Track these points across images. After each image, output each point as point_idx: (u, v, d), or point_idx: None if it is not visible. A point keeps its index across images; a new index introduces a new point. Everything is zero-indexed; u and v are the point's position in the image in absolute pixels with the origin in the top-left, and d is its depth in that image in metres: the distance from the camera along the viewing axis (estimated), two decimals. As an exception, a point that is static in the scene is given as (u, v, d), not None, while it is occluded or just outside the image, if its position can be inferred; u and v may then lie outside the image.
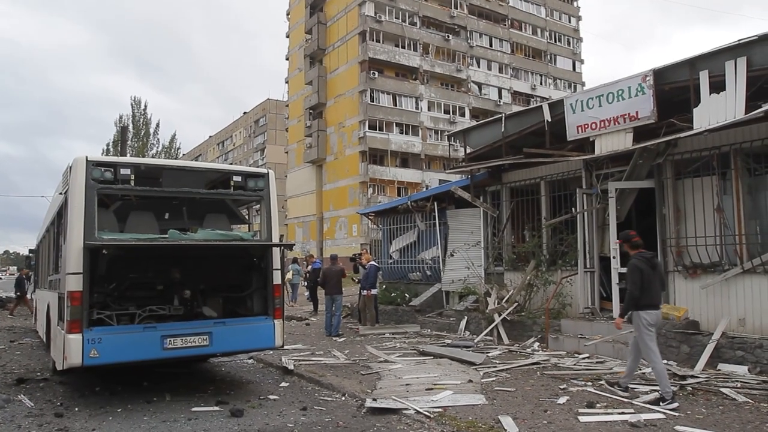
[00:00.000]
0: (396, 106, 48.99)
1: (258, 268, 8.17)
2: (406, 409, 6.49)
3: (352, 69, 48.94)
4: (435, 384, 7.64)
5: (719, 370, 7.77)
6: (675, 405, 6.20)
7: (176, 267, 7.84)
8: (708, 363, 8.00)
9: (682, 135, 8.82)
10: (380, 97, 48.28)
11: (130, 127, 50.31)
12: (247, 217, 9.58)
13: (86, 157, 6.99)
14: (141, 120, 51.52)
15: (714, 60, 8.45)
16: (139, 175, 7.32)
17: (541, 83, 58.65)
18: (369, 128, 47.27)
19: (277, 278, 7.99)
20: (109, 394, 7.54)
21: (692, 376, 7.57)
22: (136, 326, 7.12)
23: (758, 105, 7.73)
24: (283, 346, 8.36)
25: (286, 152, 63.11)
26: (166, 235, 7.55)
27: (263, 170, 8.38)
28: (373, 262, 14.37)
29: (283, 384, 8.30)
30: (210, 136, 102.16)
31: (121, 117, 51.10)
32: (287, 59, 62.03)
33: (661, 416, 5.96)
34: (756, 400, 6.51)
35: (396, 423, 6.16)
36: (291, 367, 9.07)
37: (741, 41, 8.20)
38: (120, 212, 7.96)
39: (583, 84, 60.22)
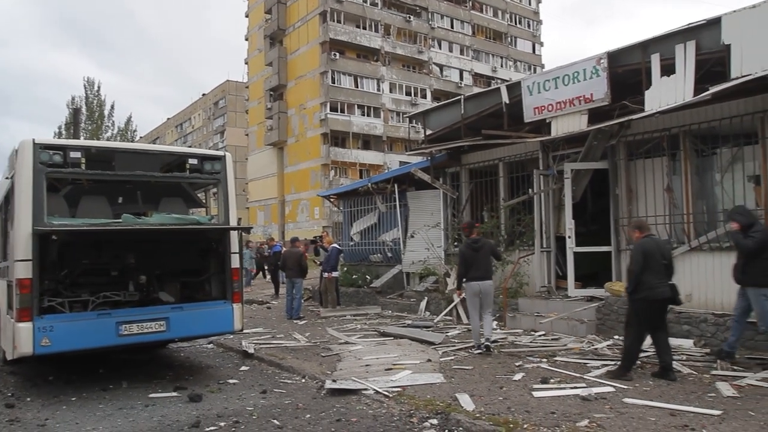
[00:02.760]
0: (357, 87, 48.72)
1: (216, 252, 8.08)
2: (365, 389, 6.56)
3: (312, 50, 48.36)
4: (394, 364, 7.73)
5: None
6: None
7: (131, 252, 7.69)
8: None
9: (634, 117, 9.02)
10: (342, 78, 47.92)
11: (84, 109, 48.63)
12: (204, 200, 9.44)
13: (33, 140, 6.77)
14: (95, 102, 49.86)
15: (665, 43, 8.64)
16: (90, 159, 7.12)
17: (501, 65, 59.09)
18: (330, 110, 46.95)
19: (235, 262, 7.91)
20: (63, 383, 7.39)
21: (642, 351, 7.82)
22: (89, 313, 6.97)
23: (706, 88, 7.94)
24: (242, 330, 8.31)
25: (247, 135, 62.23)
26: (120, 220, 7.38)
27: (220, 153, 8.26)
28: (335, 245, 14.37)
29: (243, 368, 8.28)
30: (168, 119, 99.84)
31: (73, 98, 49.28)
32: (246, 40, 60.88)
33: (611, 389, 6.17)
34: (699, 372, 6.80)
35: (355, 403, 6.22)
36: (251, 350, 9.05)
37: (690, 25, 8.40)
38: (71, 197, 7.72)
39: (542, 66, 60.84)
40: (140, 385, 7.18)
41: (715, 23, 7.98)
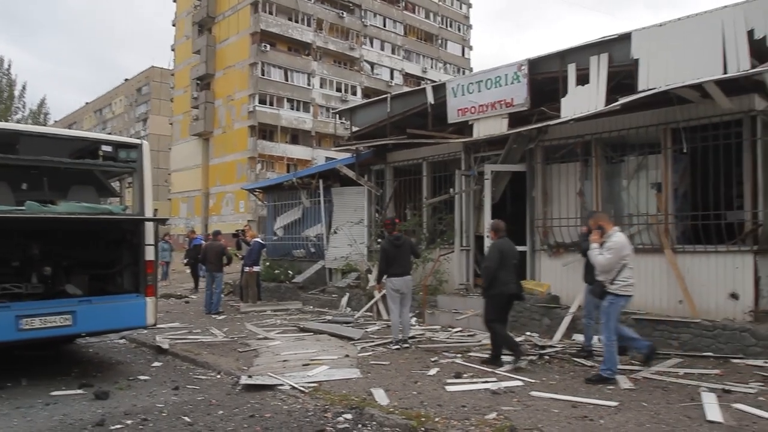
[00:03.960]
0: (288, 81, 48.07)
1: (129, 244, 7.76)
2: (281, 384, 6.51)
3: (242, 40, 47.28)
4: (312, 360, 7.71)
5: (574, 340, 8.47)
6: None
7: (35, 242, 7.25)
8: (565, 334, 8.71)
9: (551, 123, 9.38)
10: (272, 71, 47.13)
11: (-10, 89, 45.35)
12: (119, 190, 9.05)
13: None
14: (3, 81, 46.59)
15: (581, 54, 9.05)
16: (-9, 141, 6.67)
17: (431, 66, 59.94)
18: (259, 102, 46.09)
19: (149, 254, 7.63)
20: (-46, 381, 6.89)
21: (550, 346, 8.21)
22: None
23: (616, 99, 8.38)
24: (156, 325, 8.04)
25: (171, 124, 60.02)
26: (23, 208, 6.94)
27: (136, 141, 7.94)
28: (257, 239, 14.15)
29: (155, 364, 8.01)
30: (86, 103, 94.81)
31: (-23, 76, 45.83)
32: (174, 25, 58.75)
33: (520, 383, 6.41)
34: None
35: (270, 399, 6.16)
36: (165, 346, 8.76)
37: (604, 38, 8.85)
38: (-32, 182, 7.21)
39: (471, 69, 62.22)
40: (42, 383, 6.79)
41: (626, 38, 8.45)
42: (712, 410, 5.29)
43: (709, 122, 8.29)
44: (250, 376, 6.80)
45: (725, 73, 7.42)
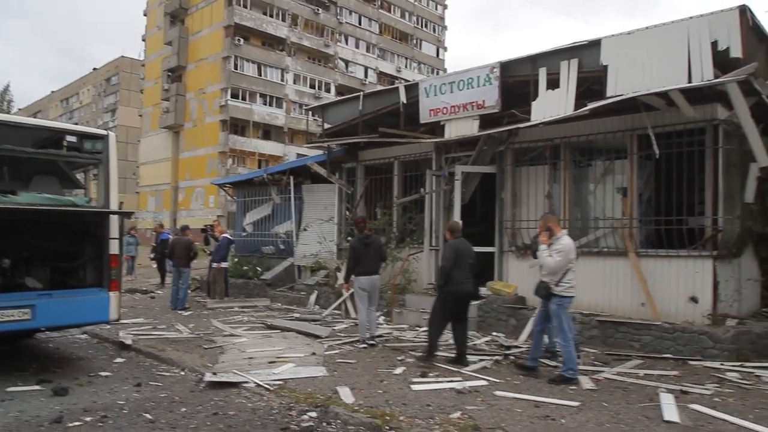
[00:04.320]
0: (261, 76, 47.68)
1: (93, 237, 7.59)
2: (246, 382, 6.45)
3: (216, 33, 46.69)
4: (278, 357, 7.67)
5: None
6: None
7: (-7, 233, 7.05)
8: (530, 335, 8.78)
9: (521, 125, 9.50)
10: (245, 65, 46.69)
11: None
12: (83, 181, 8.85)
13: None
14: (-35, 66, 45.14)
15: (552, 59, 9.17)
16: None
17: (406, 66, 60.07)
18: (231, 97, 45.63)
19: (114, 248, 7.47)
20: None
21: (515, 346, 8.30)
22: None
23: (585, 104, 8.51)
24: (119, 320, 7.88)
25: (141, 115, 59.04)
26: (-20, 197, 6.74)
27: (102, 131, 7.76)
28: (226, 235, 13.98)
29: (118, 360, 7.87)
30: (52, 92, 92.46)
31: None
32: (145, 15, 57.69)
33: (485, 383, 6.47)
34: (566, 367, 7.27)
35: (235, 396, 6.10)
36: (128, 341, 8.61)
37: (575, 44, 8.98)
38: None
39: (445, 70, 62.56)
40: (-2, 378, 6.62)
41: (596, 44, 8.59)
42: (670, 411, 5.41)
43: (674, 130, 8.48)
44: (214, 373, 6.72)
45: (690, 82, 7.61)
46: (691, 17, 7.81)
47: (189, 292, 13.48)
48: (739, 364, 7.16)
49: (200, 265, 15.45)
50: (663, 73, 7.86)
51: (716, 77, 7.49)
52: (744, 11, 7.44)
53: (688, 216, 8.56)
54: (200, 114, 47.90)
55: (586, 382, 6.49)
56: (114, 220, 7.49)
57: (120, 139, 69.84)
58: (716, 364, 7.19)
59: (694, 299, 8.21)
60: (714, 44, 7.51)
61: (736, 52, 7.39)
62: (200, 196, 47.36)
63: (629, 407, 5.62)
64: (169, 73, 51.06)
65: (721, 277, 8.25)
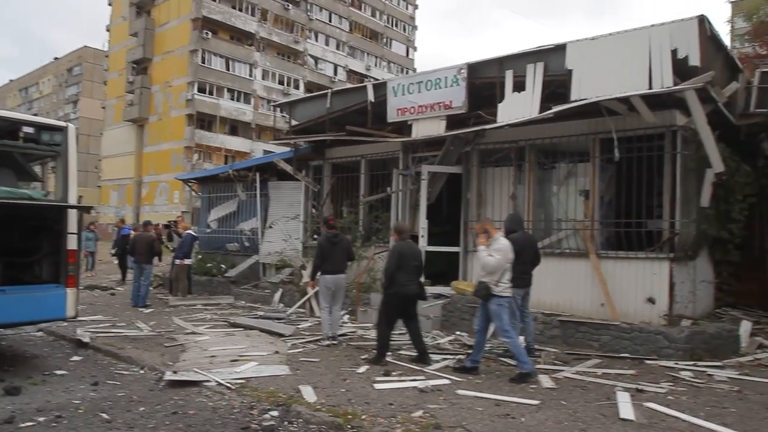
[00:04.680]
0: (229, 70, 47.08)
1: (50, 232, 7.39)
2: (207, 381, 6.38)
3: (183, 25, 45.91)
4: (241, 356, 7.59)
5: (501, 340, 8.66)
6: None
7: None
8: (493, 334, 8.89)
9: (487, 127, 9.59)
10: (212, 59, 46.03)
11: None
12: (41, 174, 8.60)
13: None
14: None
15: (518, 61, 9.28)
16: None
17: (375, 65, 60.10)
18: (198, 91, 44.95)
19: (72, 243, 7.30)
20: None
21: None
22: None
23: (550, 107, 8.65)
24: (77, 317, 7.70)
25: (104, 108, 57.63)
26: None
27: (61, 123, 7.57)
28: (190, 231, 13.77)
29: (74, 358, 7.68)
30: (11, 80, 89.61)
31: None
32: (110, 5, 56.26)
33: (447, 382, 6.52)
34: (527, 366, 7.38)
35: (195, 396, 6.02)
36: (86, 339, 8.40)
37: (541, 48, 9.11)
38: None
39: (414, 70, 62.75)
40: (-53, 377, 6.40)
41: (561, 49, 8.72)
42: (626, 409, 5.54)
43: (635, 134, 8.67)
44: (175, 372, 6.63)
45: (650, 88, 7.80)
46: (652, 25, 8.00)
47: (151, 289, 13.24)
48: (692, 363, 7.38)
49: (163, 262, 15.17)
50: (625, 79, 8.03)
51: (675, 84, 7.69)
52: (703, 21, 7.66)
53: (647, 219, 8.77)
54: (166, 108, 47.05)
55: (546, 381, 6.59)
56: (72, 215, 7.32)
57: (82, 131, 68.44)
58: (671, 363, 7.39)
59: (651, 300, 8.42)
60: (674, 52, 7.71)
61: (695, 60, 7.61)
62: (164, 191, 46.51)
63: (587, 405, 5.73)
64: (134, 65, 50.00)
65: (677, 279, 8.49)
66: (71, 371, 6.98)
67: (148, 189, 48.82)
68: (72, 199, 7.33)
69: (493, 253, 6.78)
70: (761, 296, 10.90)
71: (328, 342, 8.46)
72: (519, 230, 7.89)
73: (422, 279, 8.09)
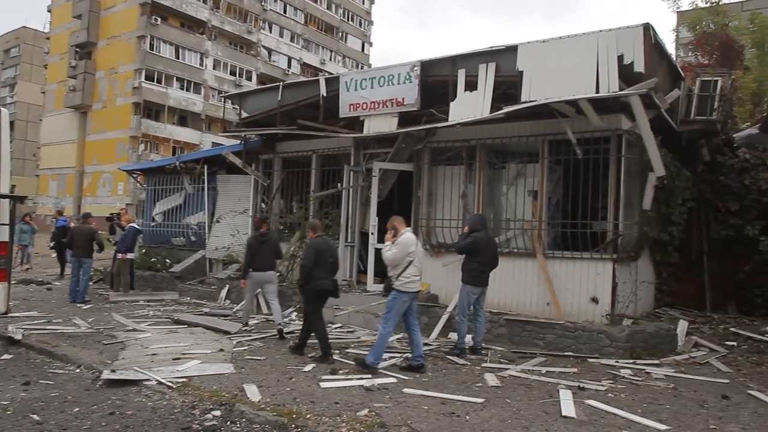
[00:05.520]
0: (179, 59, 45.96)
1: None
2: (147, 379, 6.23)
3: (130, 10, 44.51)
4: (183, 353, 7.44)
5: (449, 338, 8.78)
6: None
7: None
8: (441, 332, 9.01)
9: (438, 125, 9.67)
10: (161, 46, 44.83)
11: None
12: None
13: None
14: None
15: (471, 61, 9.39)
16: None
17: (330, 59, 59.75)
18: (146, 79, 43.72)
19: (3, 235, 6.99)
20: None
21: (426, 344, 8.44)
22: None
23: (501, 107, 8.79)
24: (8, 313, 7.43)
25: (44, 92, 55.34)
26: None
27: (-8, 108, 7.22)
28: (133, 224, 13.38)
29: (4, 356, 7.36)
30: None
31: None
32: (52, -16, 54.09)
33: (394, 381, 6.54)
34: (473, 364, 7.50)
35: (134, 395, 5.86)
36: (18, 336, 8.03)
37: (493, 48, 9.25)
38: None
39: (369, 65, 62.71)
40: None
41: (513, 50, 8.88)
42: (567, 406, 5.69)
43: (582, 137, 8.90)
44: (113, 371, 6.44)
45: (597, 92, 8.02)
46: (600, 30, 8.23)
47: (90, 284, 12.81)
48: (632, 361, 7.64)
49: (105, 256, 14.70)
50: (573, 82, 8.24)
51: (621, 89, 7.93)
52: (648, 28, 7.92)
53: (593, 220, 9.02)
54: (111, 95, 45.56)
55: (491, 380, 6.70)
56: (4, 205, 7.01)
57: (19, 116, 65.66)
58: (612, 362, 7.63)
59: (595, 300, 8.67)
60: (620, 58, 7.95)
61: (640, 66, 7.86)
62: (108, 182, 45.08)
63: (530, 403, 5.85)
64: (78, 49, 48.17)
65: (620, 279, 8.77)
66: (0, 370, 6.68)
67: (90, 179, 47.22)
68: (4, 188, 7.03)
69: (392, 248, 7.03)
70: (697, 297, 11.43)
71: (246, 327, 9.35)
72: (482, 230, 8.03)
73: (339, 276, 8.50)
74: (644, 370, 7.32)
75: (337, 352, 7.88)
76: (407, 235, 7.15)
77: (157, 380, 6.18)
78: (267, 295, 9.63)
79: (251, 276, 9.26)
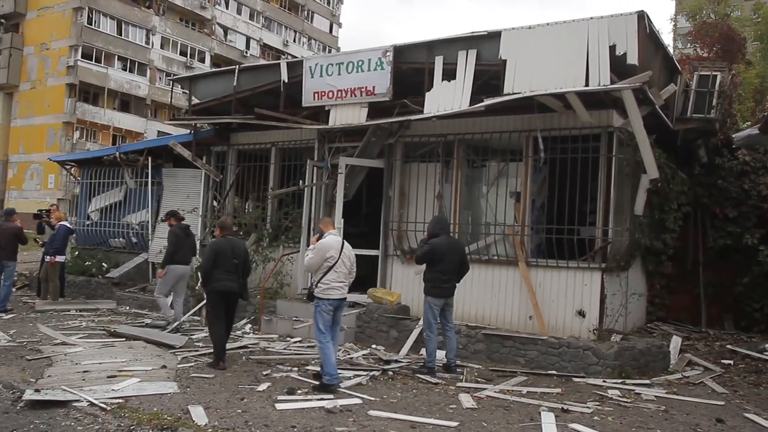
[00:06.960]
0: (121, 35, 45.31)
1: None
2: (78, 400, 6.14)
3: (65, -22, 43.71)
4: (120, 371, 7.36)
5: (421, 354, 8.81)
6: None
7: None
8: (412, 348, 9.04)
9: (413, 117, 9.71)
10: (101, 20, 44.16)
11: None
12: None
13: None
14: None
15: (449, 47, 9.43)
16: None
17: (294, 40, 59.59)
18: (83, 57, 42.95)
19: None
20: None
21: (396, 361, 8.49)
22: None
23: (481, 99, 8.86)
24: None
25: (-38, 70, 53.93)
26: None
27: None
28: (64, 222, 13.14)
29: None
30: None
31: None
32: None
33: (359, 401, 6.55)
34: (447, 383, 7.54)
35: (62, 418, 5.76)
36: (-75, 351, 7.84)
37: (473, 34, 9.31)
38: None
39: (338, 49, 62.61)
40: None
41: (495, 36, 8.95)
42: (550, 430, 5.77)
43: (570, 134, 9.05)
44: (37, 390, 6.32)
45: (587, 85, 8.14)
46: (591, 17, 8.35)
47: (13, 290, 12.59)
48: (620, 381, 7.78)
49: (31, 258, 14.44)
50: (561, 74, 8.34)
51: (613, 83, 8.07)
52: (642, 17, 8.08)
53: (580, 226, 9.15)
54: (41, 74, 44.71)
55: (467, 401, 6.75)
56: None
57: (-67, 97, 63.60)
58: (599, 381, 7.75)
59: (581, 313, 8.82)
60: (612, 48, 8.09)
61: (633, 58, 8.02)
62: (37, 174, 44.18)
63: (509, 427, 5.91)
64: (2, 21, 47.11)
65: (609, 291, 8.93)
66: None
67: (16, 170, 46.26)
68: None
69: (309, 252, 7.28)
70: (692, 310, 11.68)
71: (170, 327, 9.97)
72: (443, 234, 8.06)
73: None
74: (634, 390, 7.45)
75: (296, 369, 7.88)
76: (329, 238, 7.36)
77: (88, 401, 6.09)
78: (176, 293, 10.46)
79: (174, 268, 10.00)
